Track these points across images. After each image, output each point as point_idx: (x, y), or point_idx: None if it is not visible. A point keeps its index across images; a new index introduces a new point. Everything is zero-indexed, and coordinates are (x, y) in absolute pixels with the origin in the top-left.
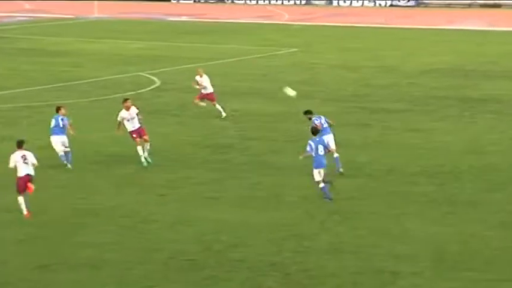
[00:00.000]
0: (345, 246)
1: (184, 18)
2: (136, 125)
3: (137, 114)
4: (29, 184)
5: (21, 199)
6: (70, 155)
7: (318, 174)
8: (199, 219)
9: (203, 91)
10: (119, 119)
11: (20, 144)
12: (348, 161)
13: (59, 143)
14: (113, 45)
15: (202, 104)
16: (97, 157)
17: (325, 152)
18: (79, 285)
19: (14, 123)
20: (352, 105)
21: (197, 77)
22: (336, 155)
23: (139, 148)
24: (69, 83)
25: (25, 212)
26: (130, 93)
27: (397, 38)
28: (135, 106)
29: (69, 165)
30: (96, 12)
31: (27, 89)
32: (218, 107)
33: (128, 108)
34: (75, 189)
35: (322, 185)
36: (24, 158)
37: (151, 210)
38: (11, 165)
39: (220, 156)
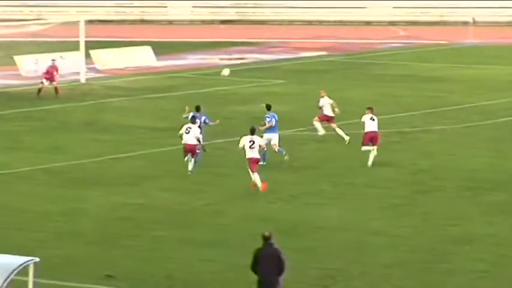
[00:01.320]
0: None
1: None
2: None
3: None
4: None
5: (254, 175)
6: (266, 155)
7: None
8: None
9: (325, 112)
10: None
11: (252, 131)
12: None
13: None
14: (486, 71)
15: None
16: (469, 183)
17: None
18: None
19: (385, 148)
20: None
21: (320, 99)
22: None
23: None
24: (439, 109)
25: (259, 184)
26: (502, 119)
27: None
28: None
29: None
30: (470, 37)
31: (397, 114)
32: (338, 131)
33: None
34: (444, 215)
35: None
36: (252, 142)
37: None
38: (240, 145)
39: None
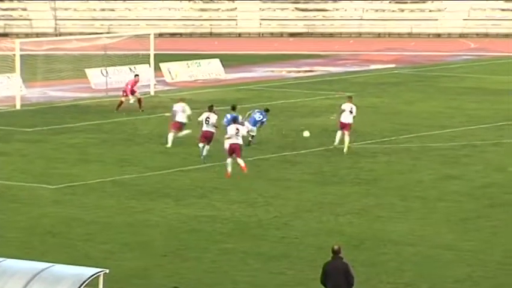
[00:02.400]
0: None
1: None
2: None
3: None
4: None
5: (228, 160)
6: None
7: None
8: None
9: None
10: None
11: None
12: None
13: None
14: None
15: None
16: None
17: None
18: None
19: (454, 162)
20: None
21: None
22: None
23: None
24: (510, 122)
25: (243, 164)
26: None
27: None
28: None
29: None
30: None
31: (467, 127)
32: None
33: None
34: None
35: None
36: (237, 130)
37: None
38: (227, 135)
39: None
